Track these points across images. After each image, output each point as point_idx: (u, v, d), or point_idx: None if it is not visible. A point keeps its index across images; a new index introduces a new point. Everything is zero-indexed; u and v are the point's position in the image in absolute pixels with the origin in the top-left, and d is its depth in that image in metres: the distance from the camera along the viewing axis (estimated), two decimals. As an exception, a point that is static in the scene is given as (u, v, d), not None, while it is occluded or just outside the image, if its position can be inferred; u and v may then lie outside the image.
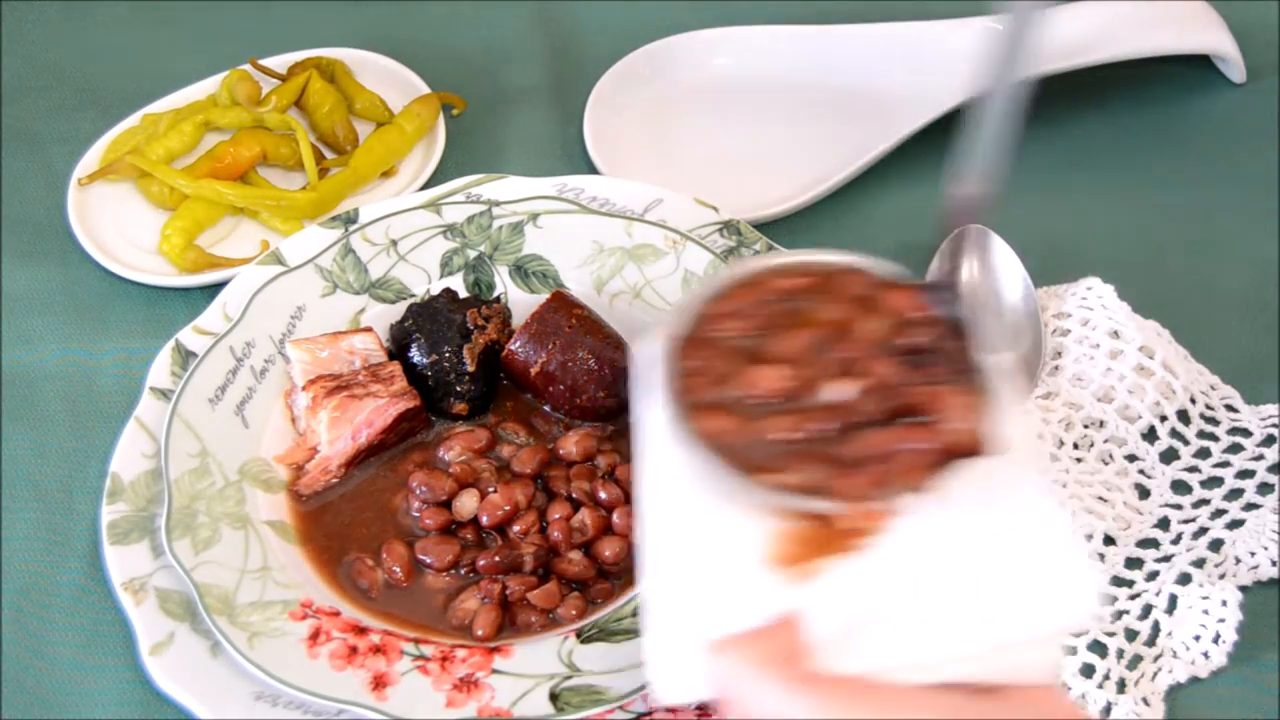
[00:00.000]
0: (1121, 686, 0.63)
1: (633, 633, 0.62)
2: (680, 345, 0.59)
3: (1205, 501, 0.69)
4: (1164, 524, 0.69)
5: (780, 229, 0.81)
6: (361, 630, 0.63)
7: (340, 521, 0.68)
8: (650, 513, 0.56)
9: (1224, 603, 0.64)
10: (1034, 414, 0.67)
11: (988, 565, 0.53)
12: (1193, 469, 0.71)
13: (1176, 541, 0.68)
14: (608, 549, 0.66)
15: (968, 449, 0.56)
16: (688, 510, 0.54)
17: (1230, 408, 0.73)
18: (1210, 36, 0.89)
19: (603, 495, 0.67)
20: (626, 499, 0.67)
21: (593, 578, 0.66)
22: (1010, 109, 0.57)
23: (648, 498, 0.56)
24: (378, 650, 0.63)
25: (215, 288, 0.77)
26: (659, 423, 0.57)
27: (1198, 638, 0.64)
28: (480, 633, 0.64)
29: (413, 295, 0.76)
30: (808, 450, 0.56)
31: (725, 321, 0.59)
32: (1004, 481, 0.55)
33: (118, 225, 0.82)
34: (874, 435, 0.56)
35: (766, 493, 0.54)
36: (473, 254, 0.76)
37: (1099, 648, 0.64)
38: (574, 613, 0.64)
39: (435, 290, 0.75)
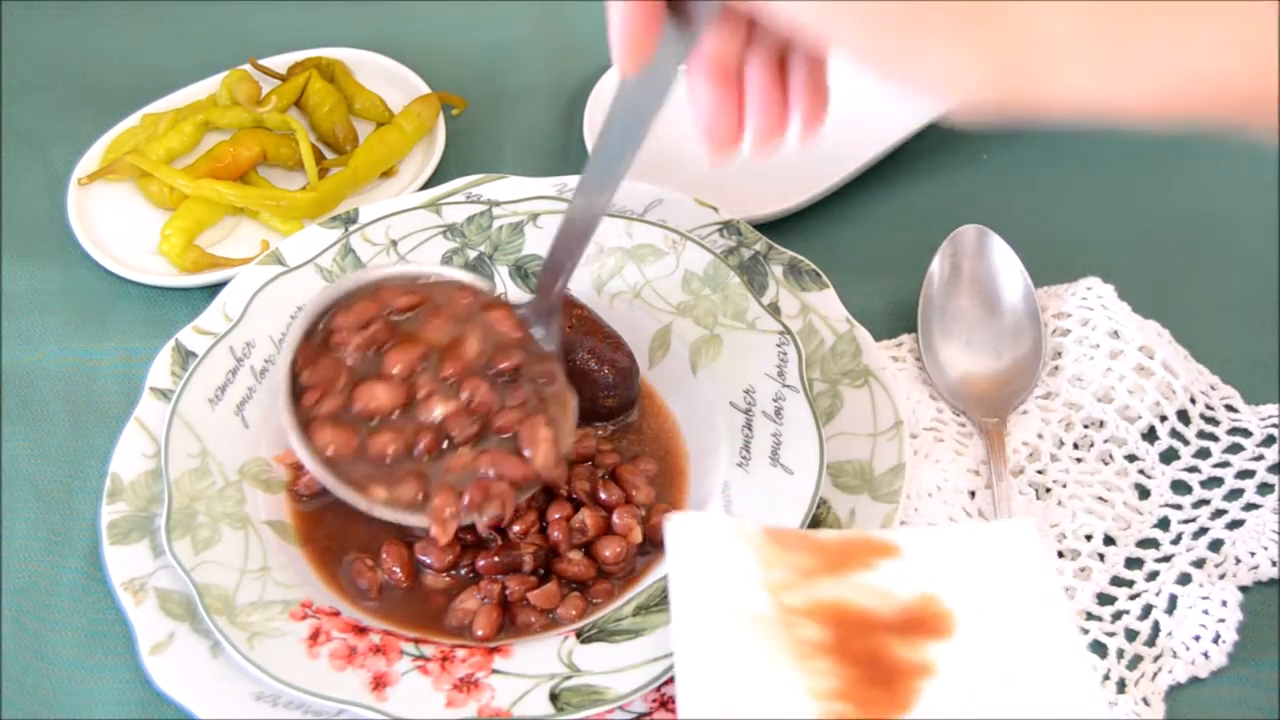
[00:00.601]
0: (1121, 686, 0.63)
1: (633, 633, 0.62)
2: (300, 356, 0.64)
3: (1205, 501, 0.69)
4: (1164, 524, 0.69)
5: (780, 229, 0.81)
6: (361, 630, 0.63)
7: (340, 521, 0.68)
8: (692, 690, 0.56)
9: (1224, 603, 0.64)
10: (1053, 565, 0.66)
11: None
12: (1193, 469, 0.71)
13: (1176, 541, 0.68)
14: (608, 549, 0.66)
15: (543, 478, 0.63)
16: (731, 699, 0.55)
17: (1230, 408, 0.73)
18: (1210, 36, 0.89)
19: (603, 495, 0.67)
20: (627, 499, 0.67)
21: (593, 578, 0.66)
22: (631, 143, 0.60)
23: (689, 669, 0.56)
24: (378, 650, 0.63)
25: (215, 288, 0.77)
26: (693, 587, 0.59)
27: (1198, 638, 0.64)
28: (480, 633, 0.64)
29: (413, 295, 0.76)
30: (411, 467, 0.62)
31: (344, 334, 0.64)
32: (1034, 639, 0.57)
33: (118, 225, 0.82)
34: (459, 457, 0.62)
35: (374, 507, 0.61)
36: (473, 254, 0.76)
37: (1099, 648, 0.64)
38: (574, 613, 0.64)
39: (435, 290, 0.75)
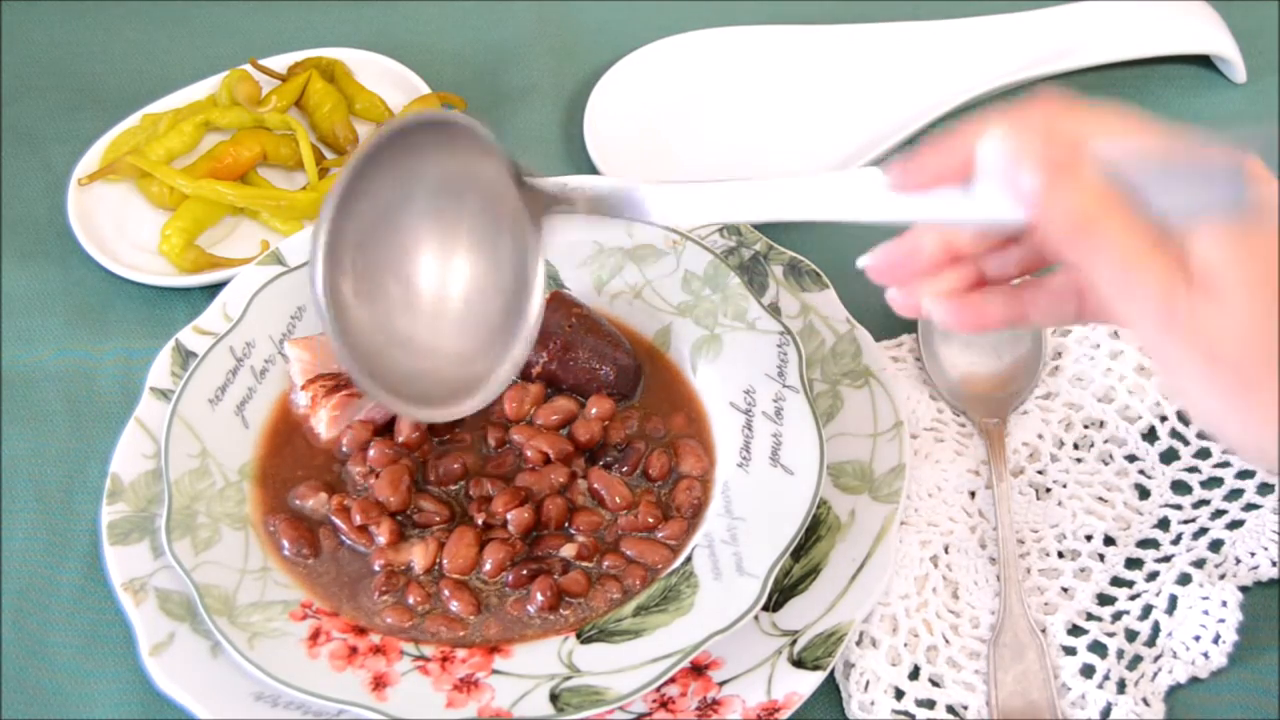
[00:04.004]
0: (1121, 687, 0.63)
1: (633, 633, 0.62)
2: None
3: (1205, 502, 0.69)
4: (1164, 524, 0.69)
5: (780, 229, 0.81)
6: (362, 630, 0.63)
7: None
8: None
9: (1224, 603, 0.64)
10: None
11: None
12: (1193, 469, 0.70)
13: (1176, 542, 0.68)
14: (656, 557, 0.66)
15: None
16: None
17: (1230, 408, 0.73)
18: (1210, 36, 0.89)
19: (615, 499, 0.68)
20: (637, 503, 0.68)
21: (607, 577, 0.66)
22: None
23: None
24: (378, 650, 0.63)
25: (215, 288, 0.77)
26: None
27: (1198, 638, 0.64)
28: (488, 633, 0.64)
29: (413, 295, 0.76)
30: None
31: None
32: None
33: (118, 225, 0.82)
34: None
35: None
36: (473, 254, 0.76)
37: (1099, 648, 0.64)
38: (615, 596, 0.65)
39: (435, 290, 0.75)
